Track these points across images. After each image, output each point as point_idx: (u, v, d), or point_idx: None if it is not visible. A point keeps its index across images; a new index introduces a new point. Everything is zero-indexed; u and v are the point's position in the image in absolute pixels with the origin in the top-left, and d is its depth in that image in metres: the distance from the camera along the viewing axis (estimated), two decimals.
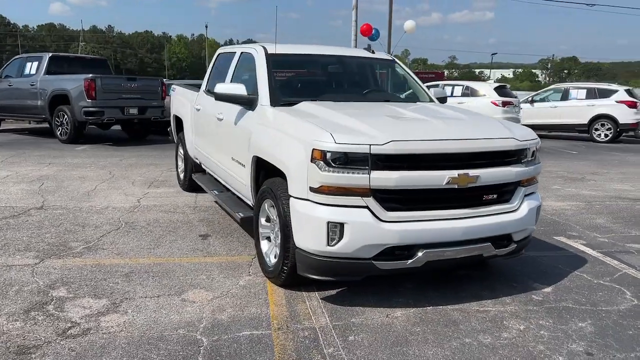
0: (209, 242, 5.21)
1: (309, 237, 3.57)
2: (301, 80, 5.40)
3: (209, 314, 3.63)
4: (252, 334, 3.37)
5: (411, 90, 5.52)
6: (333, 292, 4.04)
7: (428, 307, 3.83)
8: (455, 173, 3.58)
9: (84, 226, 5.61)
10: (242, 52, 5.49)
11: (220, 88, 4.76)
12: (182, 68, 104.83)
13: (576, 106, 16.70)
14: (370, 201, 3.48)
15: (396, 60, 5.72)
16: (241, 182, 4.81)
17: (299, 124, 3.87)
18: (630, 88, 17.68)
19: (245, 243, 5.21)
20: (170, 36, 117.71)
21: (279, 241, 4.06)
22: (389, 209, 3.52)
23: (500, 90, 15.00)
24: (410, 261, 3.59)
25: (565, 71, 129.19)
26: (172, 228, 5.63)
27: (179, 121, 7.50)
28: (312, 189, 3.53)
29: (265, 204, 4.26)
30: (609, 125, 16.48)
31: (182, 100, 7.21)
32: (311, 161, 3.51)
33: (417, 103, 5.20)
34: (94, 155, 10.82)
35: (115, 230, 5.51)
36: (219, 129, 5.41)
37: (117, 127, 14.51)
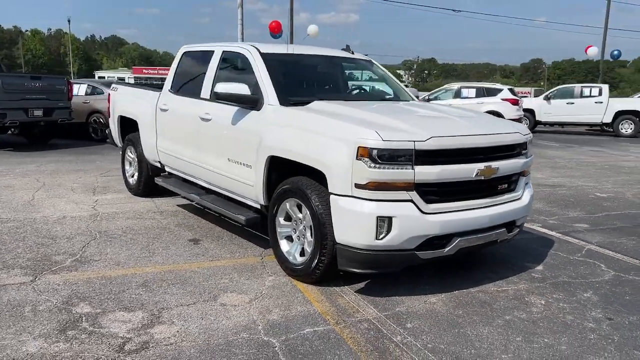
0: (204, 246, 5.07)
1: (356, 232, 3.68)
2: (297, 80, 5.42)
3: (258, 315, 3.60)
4: (315, 330, 3.41)
5: (391, 90, 5.78)
6: (361, 285, 4.17)
7: (454, 292, 4.11)
8: (482, 165, 3.89)
9: (53, 238, 5.16)
10: (224, 52, 5.38)
11: (221, 88, 4.65)
12: (39, 65, 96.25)
13: (468, 104, 18.17)
14: (414, 195, 3.67)
15: (373, 60, 5.95)
16: (244, 182, 4.75)
17: (334, 123, 3.94)
18: (512, 87, 19.66)
19: (241, 244, 5.15)
20: (24, 30, 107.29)
21: (307, 239, 4.11)
22: (428, 201, 3.74)
23: None
24: (447, 249, 3.85)
25: (426, 72, 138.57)
26: (154, 235, 5.37)
27: (126, 123, 7.11)
28: (357, 186, 3.64)
29: (287, 204, 4.28)
30: None
31: (134, 100, 6.85)
32: (357, 159, 3.62)
33: (414, 102, 5.48)
34: (3, 162, 9.78)
35: (93, 240, 5.14)
36: (206, 130, 5.26)
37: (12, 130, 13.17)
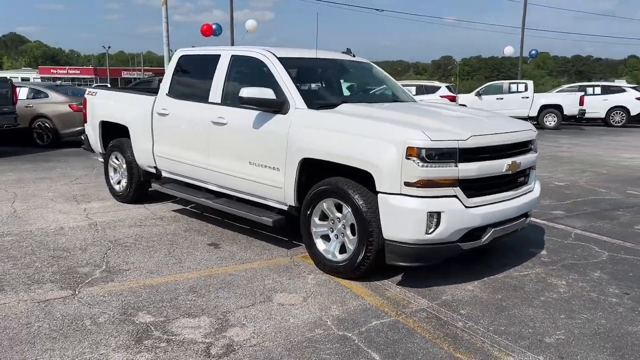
0: (227, 249, 5.10)
1: (406, 228, 3.90)
2: (316, 84, 5.52)
3: (320, 312, 3.74)
4: (382, 322, 3.61)
5: (392, 91, 6.02)
6: (399, 278, 4.41)
7: (484, 279, 4.45)
8: (510, 161, 4.25)
9: (66, 250, 4.99)
10: (234, 56, 5.40)
11: (246, 92, 4.70)
12: None
13: None
14: (458, 190, 3.96)
15: (371, 63, 6.19)
16: (269, 185, 4.83)
17: (378, 125, 4.13)
18: (450, 85, 20.66)
19: (262, 246, 5.22)
20: None
21: (348, 237, 4.29)
22: (469, 196, 4.03)
23: None
24: (483, 239, 4.17)
25: None
26: (168, 241, 5.32)
27: (110, 128, 6.92)
28: (407, 184, 3.87)
29: (324, 204, 4.43)
30: None
31: (122, 104, 6.68)
32: (406, 158, 3.84)
33: (425, 102, 5.78)
34: None
35: (109, 250, 5.03)
36: (219, 134, 5.28)
37: None
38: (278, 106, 4.75)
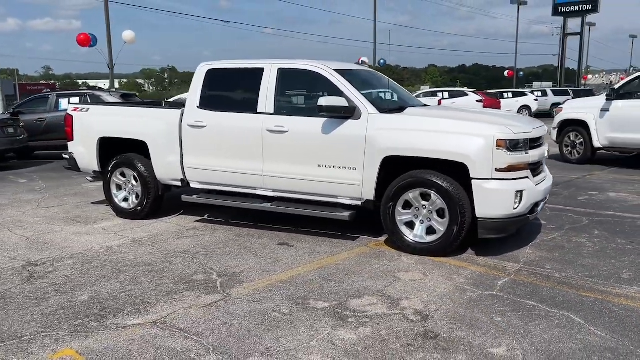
0: (303, 247, 5.48)
1: (498, 206, 4.81)
2: (370, 92, 6.05)
3: (451, 282, 4.47)
4: (505, 281, 4.46)
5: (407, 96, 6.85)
6: (471, 252, 5.28)
7: (535, 242, 5.52)
8: (543, 149, 5.38)
9: (150, 264, 4.99)
10: (281, 69, 5.80)
11: (326, 101, 5.20)
12: None
13: None
14: (529, 173, 4.98)
15: (379, 72, 6.97)
16: (345, 183, 5.38)
17: (467, 124, 4.98)
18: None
19: (332, 242, 5.69)
20: None
21: (437, 220, 5.05)
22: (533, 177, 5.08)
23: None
24: (538, 211, 5.24)
25: (167, 80, 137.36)
26: (241, 246, 5.51)
27: (113, 145, 6.78)
28: (497, 170, 4.78)
29: (410, 194, 5.13)
30: None
31: (135, 119, 6.59)
32: (496, 148, 4.75)
33: (447, 106, 6.65)
34: None
35: (196, 259, 5.14)
36: (278, 141, 5.63)
37: None
38: (351, 112, 5.32)
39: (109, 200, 6.96)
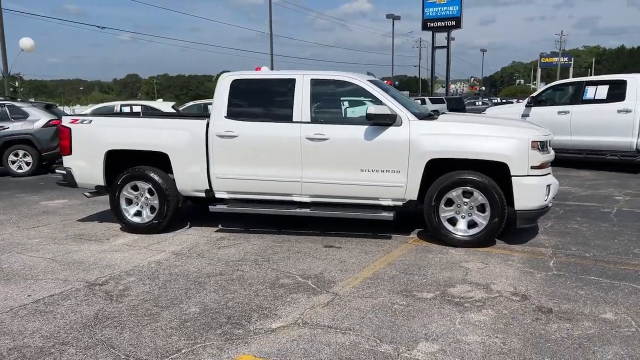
0: (352, 247, 5.80)
1: (534, 198, 5.55)
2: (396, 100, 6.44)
3: (512, 266, 5.09)
4: (554, 260, 5.18)
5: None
6: (504, 240, 5.98)
7: (543, 232, 6.36)
8: (552, 151, 6.28)
9: (221, 275, 5.02)
10: (314, 79, 6.07)
11: (374, 109, 5.60)
12: None
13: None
14: (551, 170, 5.80)
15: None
16: (388, 185, 5.80)
17: (506, 128, 5.67)
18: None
19: (369, 241, 6.06)
20: None
21: (478, 214, 5.67)
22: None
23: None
24: (552, 203, 6.09)
25: (12, 89, 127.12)
26: (287, 252, 5.67)
27: (123, 158, 6.56)
28: (533, 167, 5.52)
29: (453, 192, 5.70)
30: None
31: (152, 131, 6.42)
32: (531, 149, 5.50)
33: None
34: None
35: (260, 265, 5.24)
36: (318, 149, 5.89)
37: None
38: (393, 119, 5.77)
39: (118, 216, 6.66)
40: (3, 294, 4.60)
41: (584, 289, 4.48)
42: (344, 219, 6.44)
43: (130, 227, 6.63)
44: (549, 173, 5.75)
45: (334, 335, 3.66)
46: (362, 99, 6.17)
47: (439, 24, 46.75)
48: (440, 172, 5.76)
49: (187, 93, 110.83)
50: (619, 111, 10.84)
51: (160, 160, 6.45)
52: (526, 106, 12.51)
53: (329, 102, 6.27)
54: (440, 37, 47.29)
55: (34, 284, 4.83)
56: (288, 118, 6.04)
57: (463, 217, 5.77)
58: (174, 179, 6.41)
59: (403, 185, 5.79)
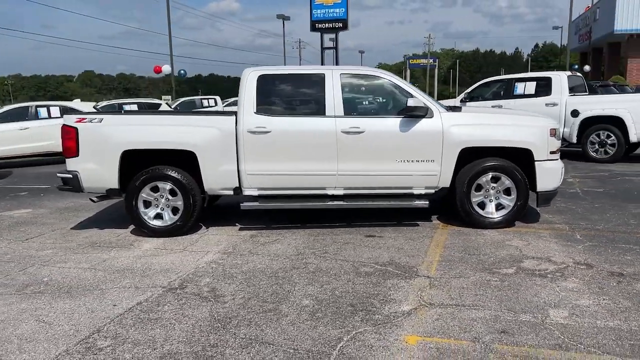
0: (390, 236, 6.05)
1: (552, 180, 6.19)
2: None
3: (553, 244, 5.68)
4: (582, 234, 5.85)
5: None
6: (521, 223, 6.58)
7: (555, 212, 7.07)
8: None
9: (296, 269, 5.03)
10: (345, 74, 6.24)
11: (413, 102, 5.89)
12: None
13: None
14: (559, 155, 6.50)
15: None
16: (422, 174, 6.12)
17: (528, 118, 6.25)
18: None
19: (405, 229, 6.35)
20: None
21: (505, 198, 6.21)
22: None
23: None
24: None
25: None
26: (333, 244, 5.75)
27: (141, 158, 6.23)
28: (551, 152, 6.16)
29: (483, 178, 6.17)
30: None
31: (175, 129, 6.14)
32: (550, 136, 6.15)
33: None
34: None
35: (330, 259, 5.33)
36: (355, 141, 6.05)
37: None
38: (426, 111, 6.10)
39: (136, 220, 6.27)
40: (82, 307, 4.22)
41: (627, 254, 5.14)
42: (354, 210, 6.66)
43: (149, 231, 6.28)
44: (559, 158, 6.44)
45: (469, 311, 3.91)
46: (391, 92, 6.37)
47: (327, 25, 48.00)
48: (465, 160, 6.19)
49: (45, 95, 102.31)
50: (547, 104, 12.12)
51: (182, 160, 6.20)
52: (461, 102, 13.48)
53: (359, 96, 6.43)
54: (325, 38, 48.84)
55: (104, 295, 4.48)
56: (321, 112, 6.12)
57: (491, 201, 6.26)
58: (200, 178, 6.19)
59: (437, 173, 6.14)
